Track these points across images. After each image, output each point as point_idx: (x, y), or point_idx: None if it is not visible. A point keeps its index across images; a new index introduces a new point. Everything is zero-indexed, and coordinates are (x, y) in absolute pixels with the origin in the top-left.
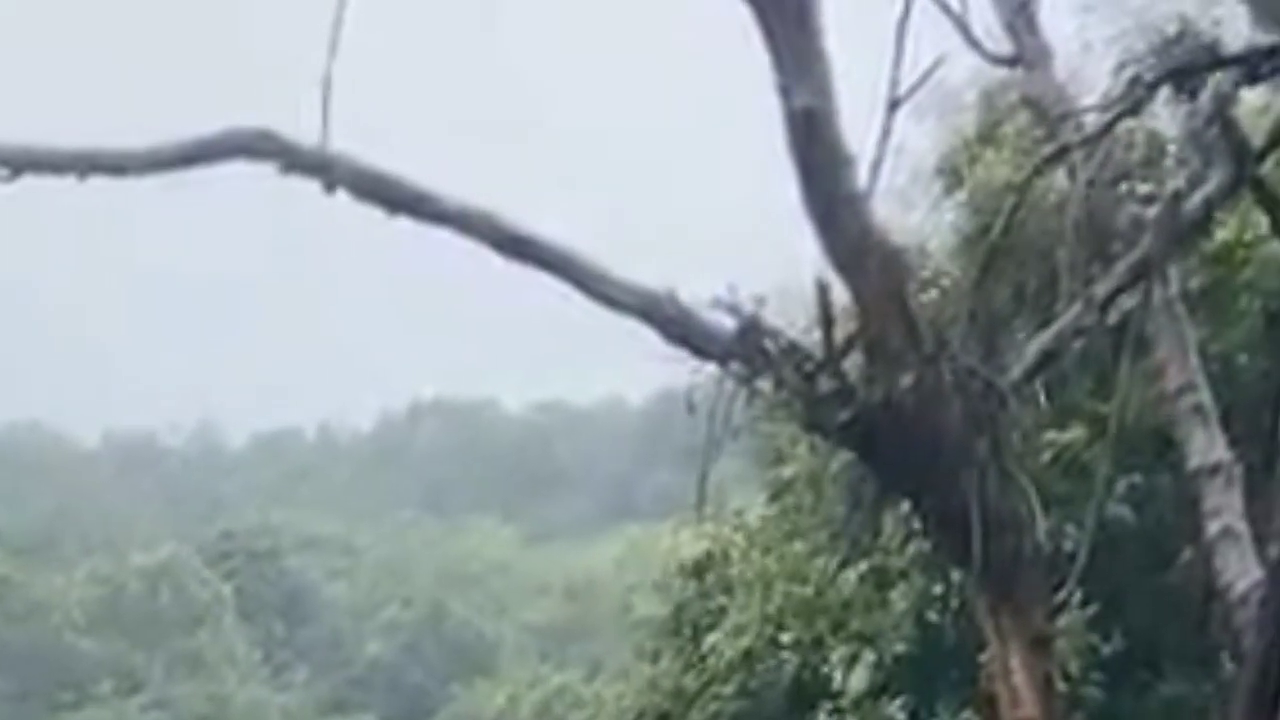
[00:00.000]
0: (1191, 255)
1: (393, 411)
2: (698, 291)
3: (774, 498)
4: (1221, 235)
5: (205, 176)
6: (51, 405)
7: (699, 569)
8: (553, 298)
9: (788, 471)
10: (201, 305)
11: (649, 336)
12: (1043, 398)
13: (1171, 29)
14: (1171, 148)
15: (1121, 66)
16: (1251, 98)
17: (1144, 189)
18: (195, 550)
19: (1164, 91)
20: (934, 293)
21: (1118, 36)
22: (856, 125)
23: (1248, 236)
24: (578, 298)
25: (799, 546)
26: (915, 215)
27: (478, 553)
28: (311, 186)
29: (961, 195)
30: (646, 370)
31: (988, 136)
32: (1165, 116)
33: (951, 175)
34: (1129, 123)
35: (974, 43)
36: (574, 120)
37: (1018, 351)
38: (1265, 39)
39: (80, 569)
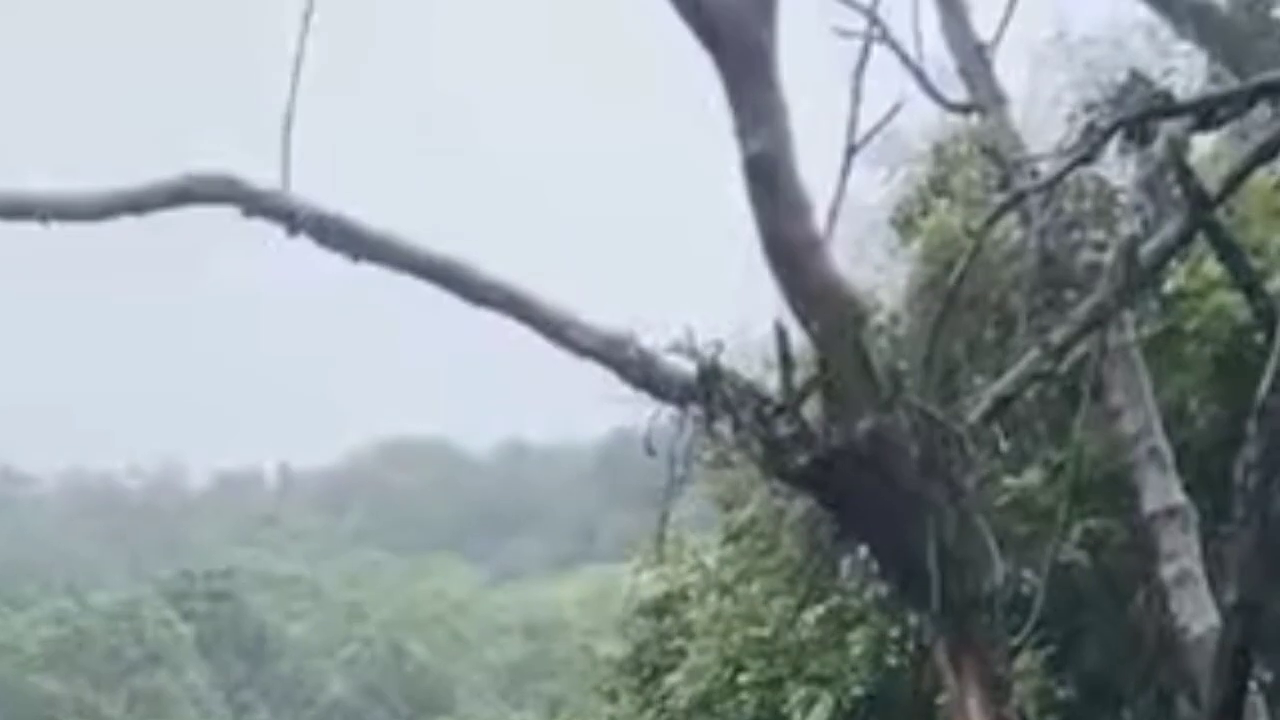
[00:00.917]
0: (1148, 301)
1: (354, 452)
2: (654, 332)
3: (731, 540)
4: (1171, 283)
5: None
6: (11, 446)
7: (658, 610)
8: (511, 337)
9: (745, 514)
10: (160, 345)
11: (607, 377)
12: (1000, 442)
13: (1123, 78)
14: (1122, 197)
15: (1074, 115)
16: (1204, 145)
17: (1096, 235)
18: (156, 590)
19: (1115, 140)
20: (889, 340)
21: (1070, 86)
22: (812, 170)
23: (1197, 285)
24: (538, 339)
25: (756, 588)
26: (870, 264)
27: (439, 592)
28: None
29: (916, 244)
30: (605, 410)
31: (941, 186)
32: (1115, 166)
33: (906, 224)
34: (1080, 171)
35: (930, 90)
36: (525, 164)
37: (974, 396)
38: (1218, 87)
39: (41, 609)
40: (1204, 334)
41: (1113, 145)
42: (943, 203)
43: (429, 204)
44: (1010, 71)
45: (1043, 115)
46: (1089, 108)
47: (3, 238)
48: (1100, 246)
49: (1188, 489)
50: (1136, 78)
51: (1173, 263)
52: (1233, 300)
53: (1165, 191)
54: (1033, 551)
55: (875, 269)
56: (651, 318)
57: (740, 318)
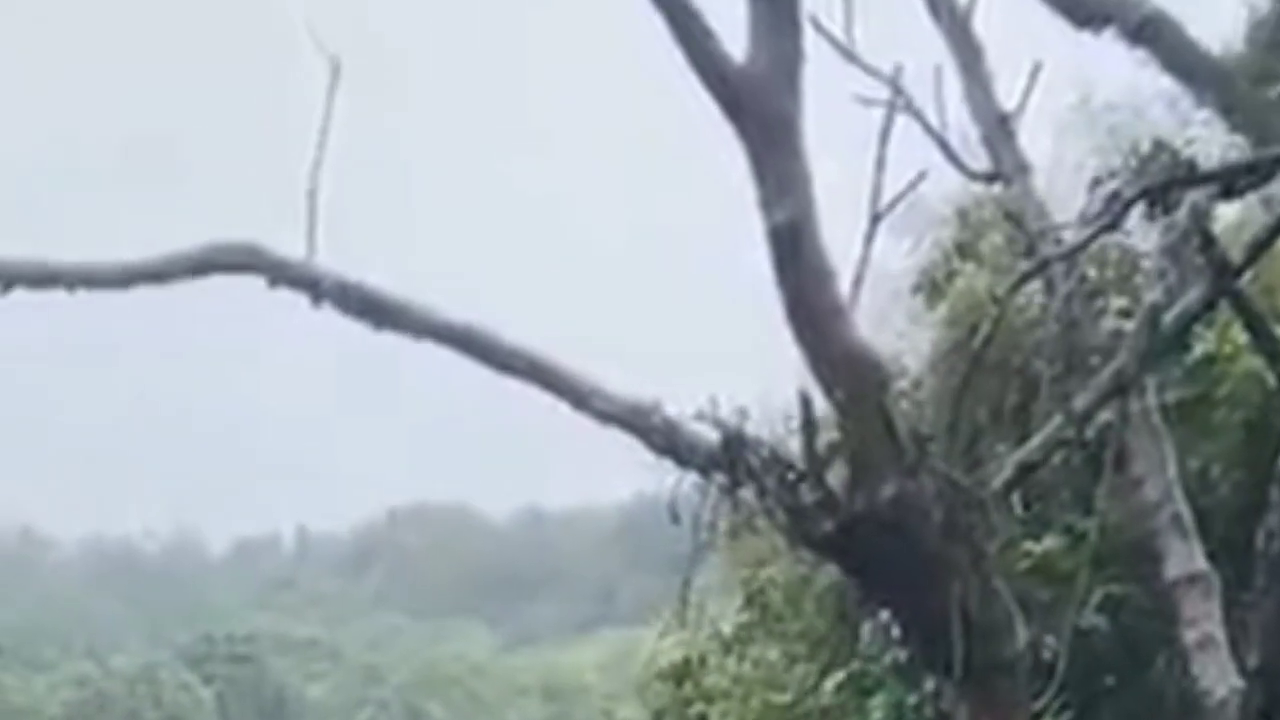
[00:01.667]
0: (1171, 368)
1: (372, 516)
2: (678, 399)
3: (752, 605)
4: (1200, 349)
5: None
6: (32, 510)
7: (677, 675)
8: (532, 403)
9: (766, 580)
10: (180, 413)
11: (629, 442)
12: (1022, 508)
13: (1146, 146)
14: (1145, 263)
15: (1097, 183)
16: (1228, 213)
17: (1120, 302)
18: (176, 654)
19: (1138, 208)
20: (913, 404)
21: (1093, 152)
22: (837, 236)
23: (1226, 350)
24: (561, 406)
25: (777, 654)
26: (894, 330)
27: (457, 656)
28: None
29: (941, 309)
30: (623, 475)
31: (967, 251)
32: (1139, 233)
33: (931, 289)
34: (1104, 239)
35: (953, 158)
36: (547, 220)
37: (998, 463)
38: (1241, 156)
39: (61, 672)
40: (1233, 399)
41: (1136, 212)
42: (969, 267)
43: (454, 267)
44: (1034, 138)
45: (1066, 182)
46: (1111, 174)
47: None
48: (1124, 313)
49: (1212, 555)
50: (1160, 146)
51: (1200, 328)
52: (1261, 365)
53: (1188, 259)
54: (1054, 616)
55: (899, 335)
56: (676, 384)
57: (763, 383)
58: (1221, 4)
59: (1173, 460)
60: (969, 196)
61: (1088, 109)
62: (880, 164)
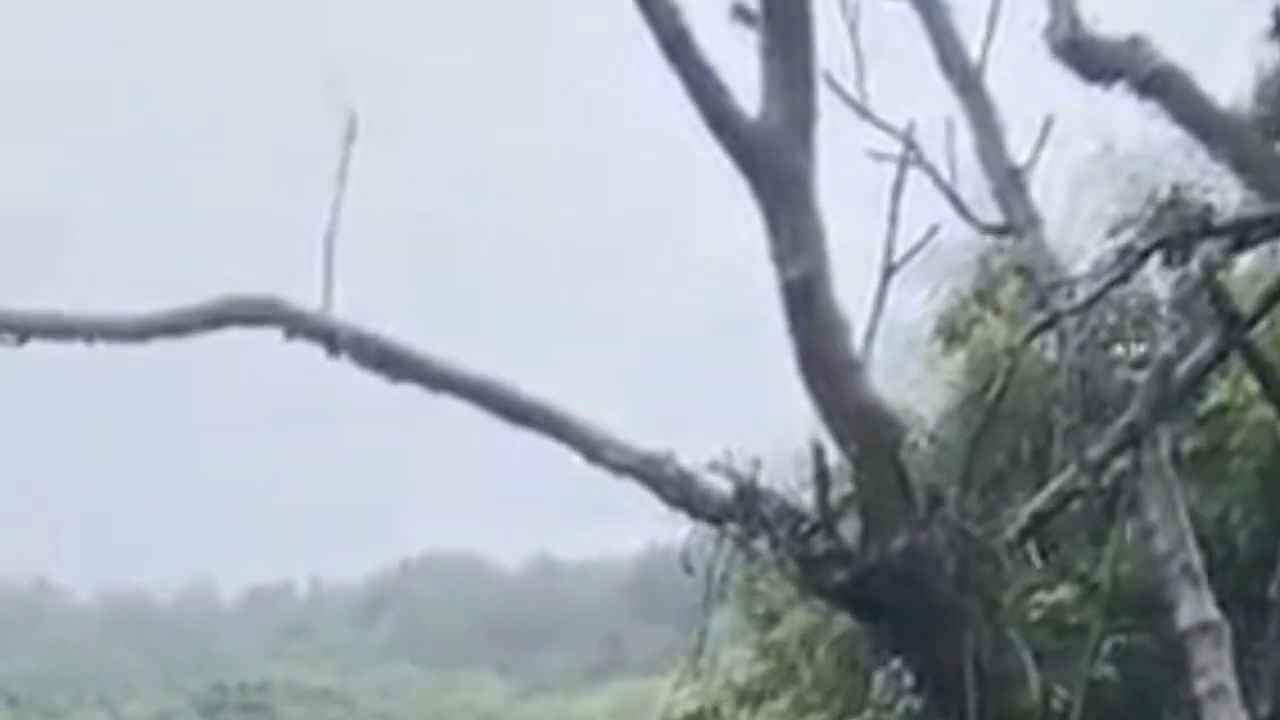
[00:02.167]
0: (1185, 418)
1: (385, 565)
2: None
3: (765, 655)
4: (1215, 398)
5: None
6: (46, 560)
7: None
8: (545, 454)
9: (780, 631)
10: (193, 460)
11: (642, 494)
12: (1037, 557)
13: (1164, 194)
14: (1164, 310)
15: (1115, 231)
16: (1244, 264)
17: (1138, 349)
18: (188, 702)
19: (1156, 256)
20: (930, 452)
21: (1112, 200)
22: (853, 287)
23: (1240, 400)
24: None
25: (789, 704)
26: (910, 380)
27: (469, 705)
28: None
29: (960, 357)
30: (635, 526)
31: (985, 299)
32: (1157, 279)
33: (950, 337)
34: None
35: (965, 212)
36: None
37: (1013, 512)
38: (1254, 209)
39: None
40: (1247, 448)
41: (1155, 258)
42: (987, 314)
43: (459, 321)
44: (1052, 187)
45: (1083, 231)
46: (1128, 222)
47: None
48: (1140, 362)
49: (1226, 604)
50: (1177, 195)
51: (1214, 377)
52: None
53: (1201, 310)
54: (1065, 666)
55: (915, 383)
56: (691, 436)
57: (776, 434)
58: (1231, 59)
59: (1184, 510)
60: (987, 244)
61: (1108, 157)
62: (893, 219)
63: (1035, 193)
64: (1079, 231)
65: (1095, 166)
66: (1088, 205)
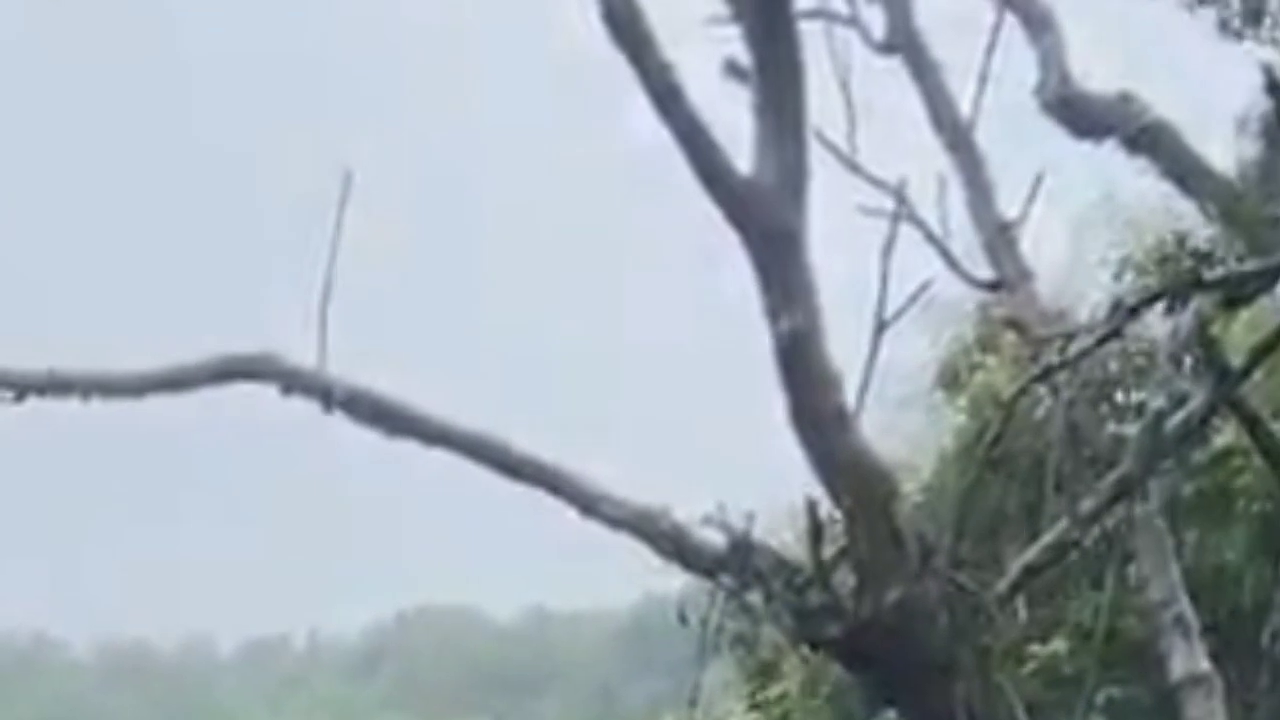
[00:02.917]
0: (1185, 463)
1: (380, 617)
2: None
3: (758, 707)
4: (1220, 441)
5: None
6: (43, 614)
7: None
8: (537, 509)
9: (774, 685)
10: (190, 513)
11: (635, 547)
12: (1031, 609)
13: (1166, 243)
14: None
15: (1117, 277)
16: (1244, 314)
17: (1138, 396)
18: None
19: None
20: (929, 500)
21: (1114, 246)
22: (848, 337)
23: (1245, 443)
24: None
25: None
26: (910, 429)
27: None
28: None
29: (960, 402)
30: (629, 578)
31: (986, 345)
32: (1159, 325)
33: (951, 383)
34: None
35: (956, 267)
36: (552, 328)
37: (1006, 564)
38: (1246, 265)
39: None
40: (1251, 492)
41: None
42: (989, 360)
43: (453, 378)
44: (1054, 235)
45: (1086, 277)
46: (1123, 273)
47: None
48: (1137, 410)
49: (1227, 652)
50: (1179, 245)
51: (1218, 421)
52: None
53: (1194, 364)
54: (1059, 718)
55: (909, 435)
56: (683, 489)
57: (769, 487)
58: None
59: (1176, 562)
60: (986, 294)
61: (1110, 204)
62: (885, 273)
63: (1037, 240)
64: (1081, 278)
65: (1097, 213)
66: (1090, 252)
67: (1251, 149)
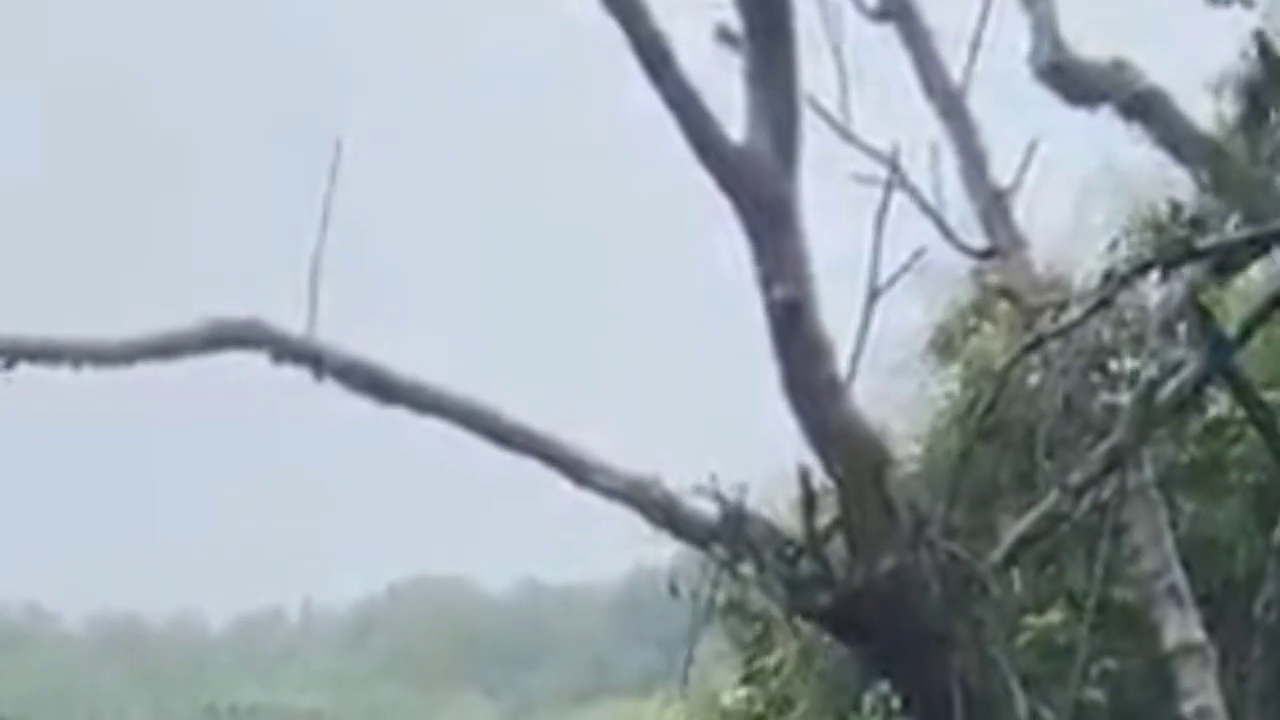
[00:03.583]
0: (1179, 434)
1: (372, 589)
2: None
3: (752, 678)
4: (1214, 411)
5: None
6: (36, 585)
7: None
8: (528, 477)
9: (767, 655)
10: (180, 485)
11: (628, 517)
12: (1027, 580)
13: (1161, 212)
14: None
15: (1112, 247)
16: (1239, 283)
17: (1133, 364)
18: None
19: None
20: (918, 472)
21: (1113, 214)
22: (842, 306)
23: (1239, 413)
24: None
25: None
26: (901, 398)
27: None
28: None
29: (954, 369)
30: (622, 549)
31: (981, 310)
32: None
33: (945, 348)
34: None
35: (950, 236)
36: (556, 296)
37: (1000, 534)
38: (1237, 232)
39: None
40: (1246, 462)
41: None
42: (985, 326)
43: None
44: (1053, 203)
45: (1084, 246)
46: (1116, 243)
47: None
48: (1130, 380)
49: (1217, 623)
50: (1174, 213)
51: (1213, 390)
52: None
53: (1187, 333)
54: (1052, 690)
55: (902, 405)
56: (676, 459)
57: (762, 457)
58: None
59: (1169, 531)
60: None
61: (1110, 172)
62: (877, 243)
63: (1036, 209)
64: (1080, 247)
65: (1098, 181)
66: (1089, 220)
67: (1230, 111)
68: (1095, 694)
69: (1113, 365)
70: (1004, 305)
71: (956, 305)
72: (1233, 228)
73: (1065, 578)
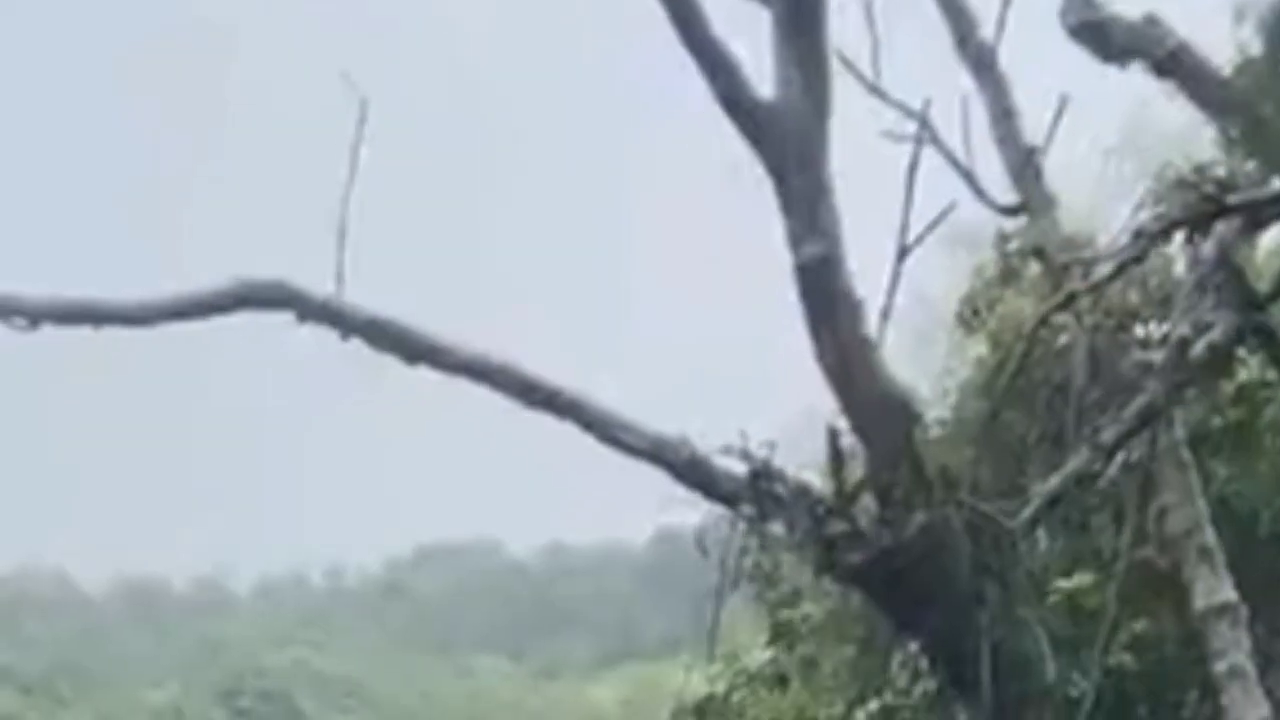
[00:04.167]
0: (1212, 395)
1: (398, 553)
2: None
3: (779, 638)
4: (1244, 375)
5: None
6: (62, 550)
7: (699, 710)
8: (554, 439)
9: (795, 615)
10: (210, 450)
11: (653, 478)
12: (1056, 542)
13: (1186, 173)
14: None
15: (1139, 208)
16: (1266, 240)
17: (1159, 329)
18: (205, 690)
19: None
20: (948, 432)
21: (1143, 177)
22: (871, 266)
23: (1271, 375)
24: (587, 440)
25: (804, 687)
26: (934, 356)
27: (484, 691)
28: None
29: (984, 332)
30: (646, 512)
31: (1009, 273)
32: (1180, 257)
33: (974, 312)
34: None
35: (980, 193)
36: (578, 254)
37: (1029, 494)
38: (1268, 188)
39: (90, 709)
40: (1276, 425)
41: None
42: (1011, 291)
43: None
44: (1084, 163)
45: (1113, 206)
46: (1146, 202)
47: (52, 340)
48: (1159, 342)
49: (1252, 584)
50: (1200, 174)
51: (1243, 353)
52: None
53: (1217, 291)
54: (1082, 652)
55: (933, 363)
56: (706, 421)
57: (791, 419)
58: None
59: (1200, 491)
60: (1006, 222)
61: (1141, 132)
62: (908, 198)
63: (1064, 169)
64: (1108, 207)
65: (1127, 141)
66: (1117, 180)
67: (1254, 42)
68: (1125, 658)
69: (1139, 331)
70: (1030, 273)
71: (982, 275)
72: (1260, 185)
73: (1095, 539)
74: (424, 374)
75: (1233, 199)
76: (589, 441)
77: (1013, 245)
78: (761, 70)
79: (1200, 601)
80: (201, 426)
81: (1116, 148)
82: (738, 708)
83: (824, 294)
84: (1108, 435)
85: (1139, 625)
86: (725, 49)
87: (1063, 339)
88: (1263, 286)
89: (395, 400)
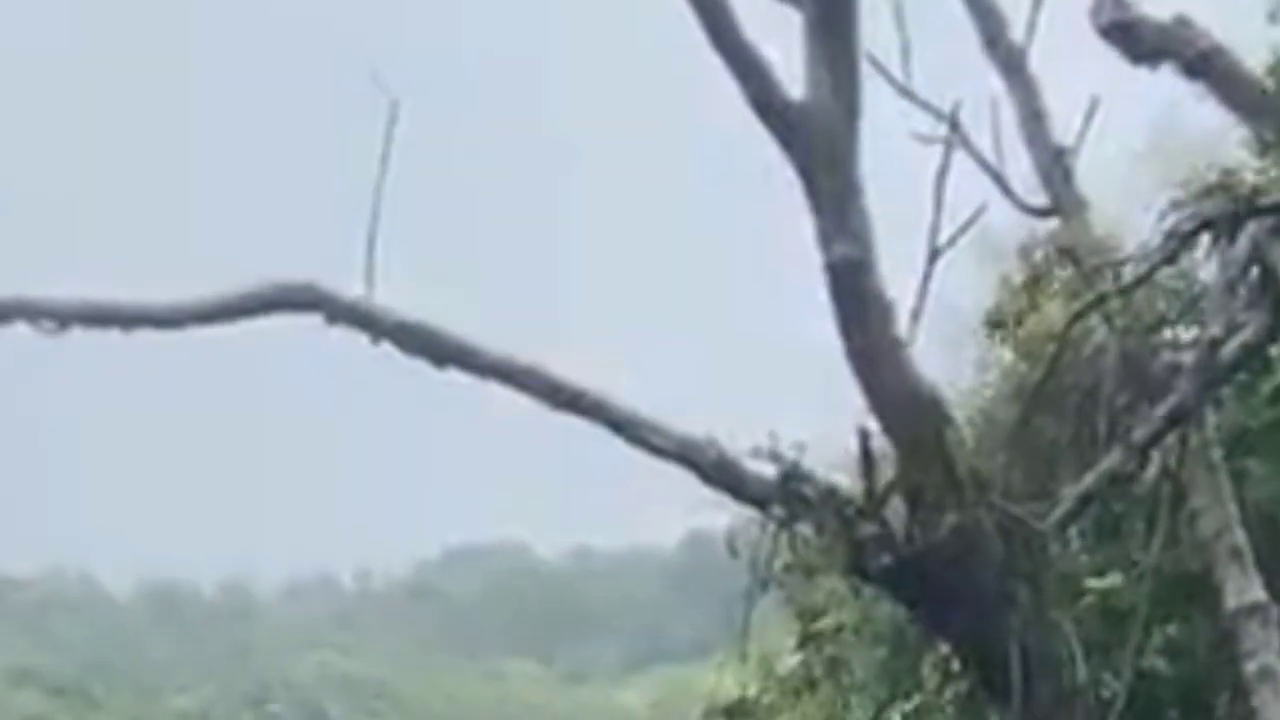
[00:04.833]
0: (1243, 395)
1: (426, 556)
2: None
3: (809, 641)
4: (1277, 378)
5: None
6: (88, 553)
7: (730, 714)
8: (582, 442)
9: (826, 618)
10: (237, 452)
11: (682, 481)
12: (1087, 544)
13: (1214, 176)
14: (1212, 292)
15: (1164, 214)
16: None
17: (1187, 335)
18: (232, 693)
19: (1205, 238)
20: (979, 434)
21: (1167, 183)
22: (902, 270)
23: None
24: (615, 443)
25: (834, 690)
26: (966, 361)
27: (513, 694)
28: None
29: (1015, 337)
30: (673, 516)
31: (1035, 282)
32: (1207, 263)
33: (1001, 320)
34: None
35: (1010, 194)
36: (605, 255)
37: (1059, 496)
38: None
39: (117, 712)
40: None
41: (1204, 242)
42: (1040, 297)
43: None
44: (1111, 167)
45: (1141, 210)
46: (1175, 205)
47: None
48: (1192, 343)
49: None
50: (1228, 177)
51: (1275, 353)
52: None
53: (1249, 292)
54: (1114, 655)
55: (962, 368)
56: (737, 422)
57: (822, 421)
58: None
59: (1230, 490)
60: (1031, 229)
61: (1170, 135)
62: (938, 201)
63: (1092, 171)
64: (1137, 211)
65: (1156, 144)
66: (1145, 183)
67: None
68: (1158, 661)
69: (1166, 335)
70: (1058, 277)
71: (1009, 284)
72: None
73: (1126, 542)
74: (452, 376)
75: (1264, 200)
76: (617, 444)
77: (1039, 252)
78: (792, 72)
79: (1231, 601)
80: (228, 429)
81: (1144, 152)
82: (768, 710)
83: (854, 294)
84: (1138, 436)
85: (1171, 628)
86: (757, 52)
87: (1093, 341)
88: None
89: (423, 402)
